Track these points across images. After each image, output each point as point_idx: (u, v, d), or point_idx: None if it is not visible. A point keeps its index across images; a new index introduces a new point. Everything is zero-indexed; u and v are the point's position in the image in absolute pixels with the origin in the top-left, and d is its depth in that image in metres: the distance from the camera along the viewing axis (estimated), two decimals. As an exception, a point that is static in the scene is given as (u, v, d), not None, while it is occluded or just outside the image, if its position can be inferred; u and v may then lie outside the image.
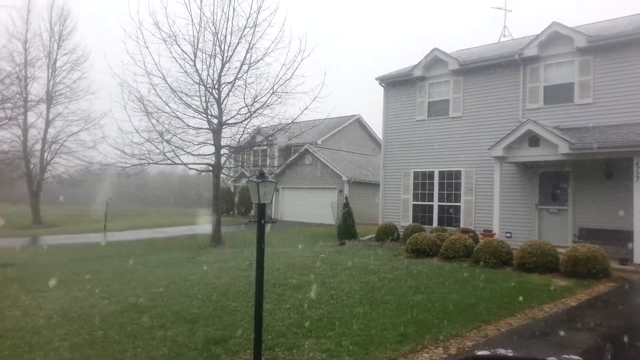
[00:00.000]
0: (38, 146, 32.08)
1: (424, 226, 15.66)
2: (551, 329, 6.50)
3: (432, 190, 16.73)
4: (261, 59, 16.65)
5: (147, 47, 15.72)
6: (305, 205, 28.03)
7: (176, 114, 16.51)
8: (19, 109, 30.58)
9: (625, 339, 5.83)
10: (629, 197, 11.58)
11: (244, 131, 17.59)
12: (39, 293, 8.38)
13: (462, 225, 15.51)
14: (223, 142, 17.33)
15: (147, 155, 16.45)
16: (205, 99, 16.58)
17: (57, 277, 10.08)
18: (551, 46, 14.30)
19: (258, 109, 16.80)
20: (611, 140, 11.66)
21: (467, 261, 11.45)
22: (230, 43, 16.47)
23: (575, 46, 13.65)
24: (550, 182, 14.17)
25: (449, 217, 16.23)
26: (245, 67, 16.67)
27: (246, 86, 16.84)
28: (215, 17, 16.39)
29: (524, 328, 6.49)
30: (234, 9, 16.51)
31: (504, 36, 21.58)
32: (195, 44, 16.20)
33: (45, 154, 32.09)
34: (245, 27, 16.30)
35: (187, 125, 16.76)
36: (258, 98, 16.64)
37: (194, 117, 16.81)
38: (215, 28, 16.33)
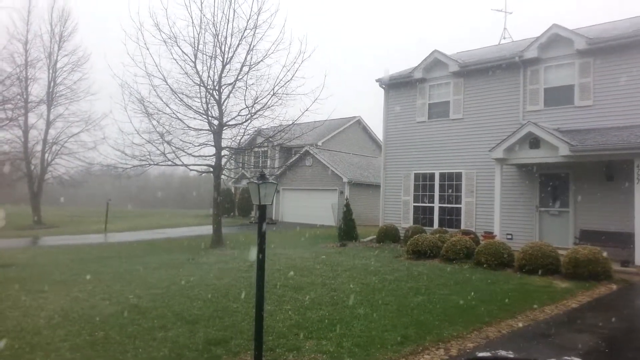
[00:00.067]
0: (39, 147, 32.22)
1: (424, 228, 15.64)
2: (552, 331, 6.50)
3: (433, 191, 16.73)
4: (261, 60, 16.74)
5: (147, 49, 15.81)
6: (306, 207, 28.00)
7: (177, 115, 16.59)
8: (19, 110, 30.70)
9: (627, 341, 5.82)
10: (629, 199, 11.59)
11: (244, 132, 17.66)
12: (40, 294, 8.38)
13: (462, 226, 15.51)
14: (224, 143, 17.38)
15: (148, 157, 16.51)
16: (206, 100, 16.62)
17: (58, 277, 10.12)
18: (551, 48, 14.32)
19: (258, 110, 16.87)
20: (611, 142, 11.65)
21: (468, 263, 11.44)
22: (230, 44, 16.55)
23: (575, 48, 13.67)
24: (551, 184, 14.17)
25: (450, 218, 16.23)
26: (245, 69, 16.75)
27: (247, 87, 16.92)
28: (215, 19, 16.48)
29: (525, 330, 6.49)
30: (234, 11, 16.61)
31: (504, 38, 21.65)
32: (196, 45, 16.27)
33: (46, 154, 32.19)
34: (245, 29, 16.39)
35: (188, 126, 16.82)
36: (258, 99, 16.72)
37: (194, 118, 16.88)
38: (215, 29, 16.41)
